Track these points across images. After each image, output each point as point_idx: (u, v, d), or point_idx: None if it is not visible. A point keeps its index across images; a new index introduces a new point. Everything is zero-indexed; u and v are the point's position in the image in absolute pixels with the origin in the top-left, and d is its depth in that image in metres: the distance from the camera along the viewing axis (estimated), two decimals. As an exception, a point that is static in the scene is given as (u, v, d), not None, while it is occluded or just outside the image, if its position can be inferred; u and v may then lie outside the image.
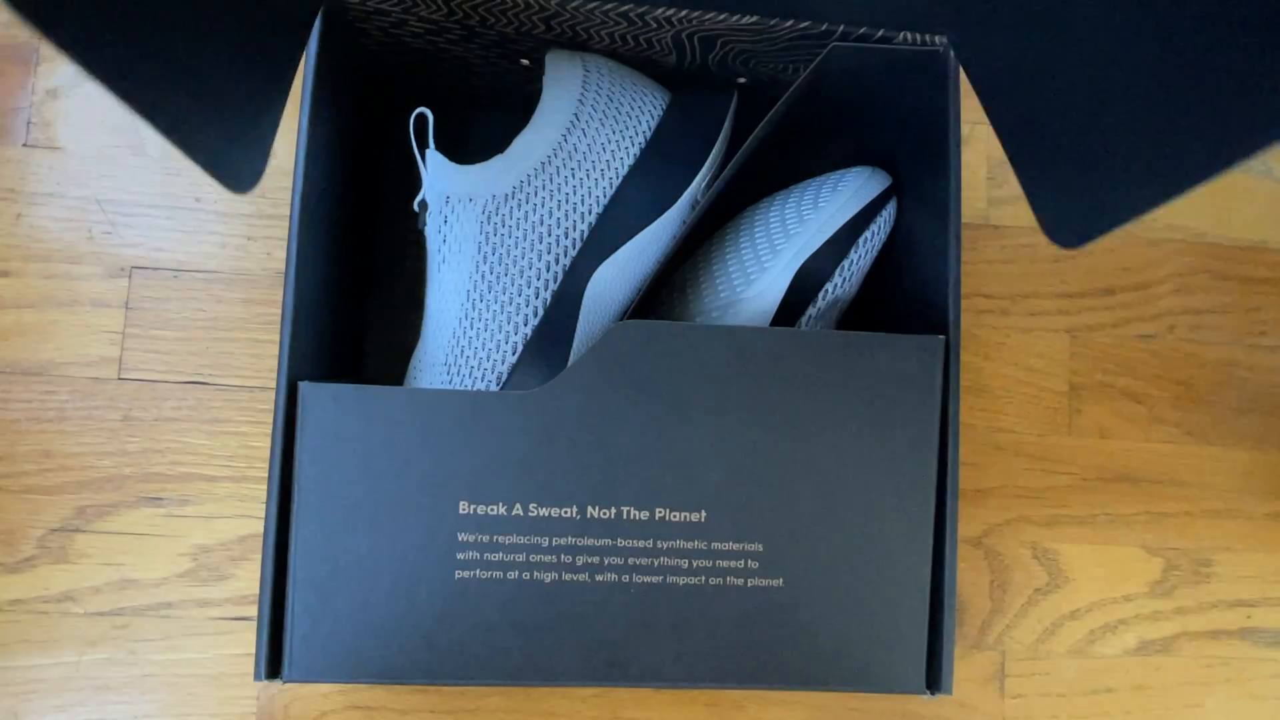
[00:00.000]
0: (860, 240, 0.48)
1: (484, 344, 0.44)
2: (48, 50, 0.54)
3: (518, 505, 0.40)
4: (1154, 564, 0.57)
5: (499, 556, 0.40)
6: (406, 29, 0.47)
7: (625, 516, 0.41)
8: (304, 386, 0.40)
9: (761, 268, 0.48)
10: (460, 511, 0.40)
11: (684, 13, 0.43)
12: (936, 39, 0.45)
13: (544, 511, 0.40)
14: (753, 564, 0.41)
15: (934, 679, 0.43)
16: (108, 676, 0.50)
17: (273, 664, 0.39)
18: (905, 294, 0.49)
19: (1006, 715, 0.55)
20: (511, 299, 0.44)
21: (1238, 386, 0.59)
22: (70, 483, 0.51)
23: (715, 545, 0.41)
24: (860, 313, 0.53)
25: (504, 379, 0.44)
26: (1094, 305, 0.59)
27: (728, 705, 0.53)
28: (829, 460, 0.42)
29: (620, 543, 0.41)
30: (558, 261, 0.45)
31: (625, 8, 0.43)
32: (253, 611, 0.51)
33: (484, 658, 0.40)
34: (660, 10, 0.43)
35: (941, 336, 0.42)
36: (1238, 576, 0.57)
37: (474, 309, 0.44)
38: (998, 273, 0.59)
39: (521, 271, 0.44)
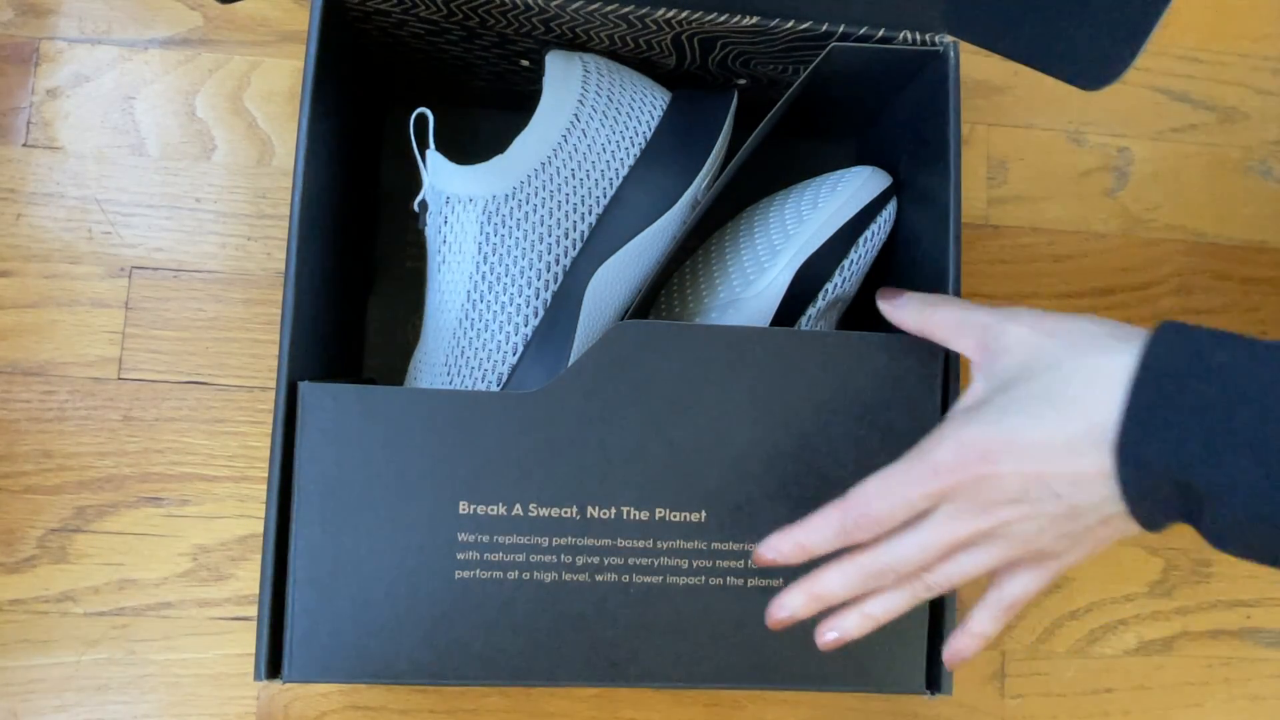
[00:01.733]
0: (860, 240, 0.48)
1: (484, 344, 0.44)
2: (48, 50, 0.54)
3: (518, 505, 0.40)
4: (1154, 564, 0.57)
5: (499, 556, 0.40)
6: (406, 29, 0.47)
7: (625, 517, 0.41)
8: (304, 386, 0.40)
9: (761, 268, 0.48)
10: (460, 511, 0.40)
11: (684, 14, 0.43)
12: (936, 39, 0.45)
13: (544, 512, 0.40)
14: (753, 564, 0.41)
15: (934, 679, 0.43)
16: (107, 676, 0.50)
17: (273, 664, 0.39)
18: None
19: (1006, 715, 0.55)
20: (512, 299, 0.44)
21: (1237, 386, 0.59)
22: (70, 483, 0.51)
23: (715, 545, 0.41)
24: (860, 313, 0.53)
25: (504, 379, 0.44)
26: (1094, 305, 0.59)
27: (728, 705, 0.53)
28: (829, 460, 0.42)
29: (620, 543, 0.41)
30: (558, 262, 0.45)
31: (625, 10, 0.43)
32: (253, 611, 0.51)
33: (484, 658, 0.40)
34: (660, 12, 0.43)
35: None
36: (1238, 576, 0.57)
37: (474, 309, 0.44)
38: (998, 273, 0.59)
39: (522, 272, 0.44)
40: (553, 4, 0.43)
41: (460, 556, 0.40)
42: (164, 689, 0.50)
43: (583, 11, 0.43)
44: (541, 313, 0.44)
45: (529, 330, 0.44)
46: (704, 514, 0.41)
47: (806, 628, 0.41)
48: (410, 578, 0.40)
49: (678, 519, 0.41)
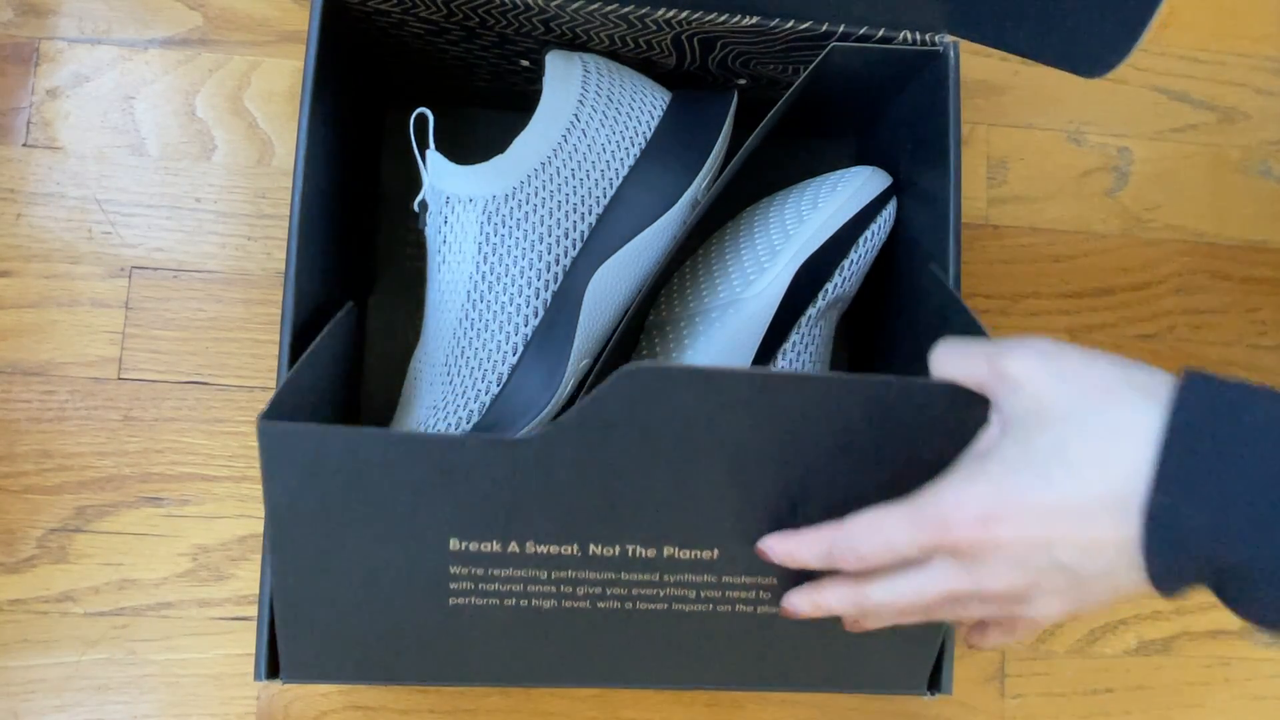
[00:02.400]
0: (860, 240, 0.48)
1: (484, 344, 0.44)
2: (48, 50, 0.54)
3: (513, 543, 0.37)
4: (1154, 564, 0.57)
5: (495, 586, 0.37)
6: (406, 29, 0.47)
7: (631, 555, 0.37)
8: (264, 426, 0.33)
9: (761, 268, 0.48)
10: (451, 548, 0.37)
11: (684, 14, 0.43)
12: (936, 39, 0.45)
13: (542, 549, 0.37)
14: (764, 594, 0.39)
15: (934, 679, 0.42)
16: (107, 676, 0.50)
17: (272, 664, 0.39)
18: (905, 294, 0.49)
19: (1006, 715, 0.55)
20: (512, 299, 0.44)
21: (1237, 386, 0.59)
22: (70, 483, 0.51)
23: (726, 579, 0.38)
24: (860, 313, 0.53)
25: (504, 379, 0.44)
26: (1094, 305, 0.59)
27: (728, 705, 0.53)
28: (847, 499, 0.36)
29: (625, 575, 0.38)
30: (558, 262, 0.45)
31: (625, 10, 0.43)
32: (253, 611, 0.51)
33: (483, 663, 0.40)
34: (660, 12, 0.43)
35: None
36: (1237, 576, 0.57)
37: (474, 309, 0.44)
38: (998, 273, 0.59)
39: (522, 272, 0.44)
40: (553, 4, 0.43)
41: (454, 586, 0.37)
42: (164, 689, 0.50)
43: (583, 11, 0.43)
44: (541, 313, 0.44)
45: (529, 330, 0.44)
46: (716, 552, 0.38)
47: (807, 629, 0.41)
48: (404, 601, 0.37)
49: (687, 556, 0.38)
